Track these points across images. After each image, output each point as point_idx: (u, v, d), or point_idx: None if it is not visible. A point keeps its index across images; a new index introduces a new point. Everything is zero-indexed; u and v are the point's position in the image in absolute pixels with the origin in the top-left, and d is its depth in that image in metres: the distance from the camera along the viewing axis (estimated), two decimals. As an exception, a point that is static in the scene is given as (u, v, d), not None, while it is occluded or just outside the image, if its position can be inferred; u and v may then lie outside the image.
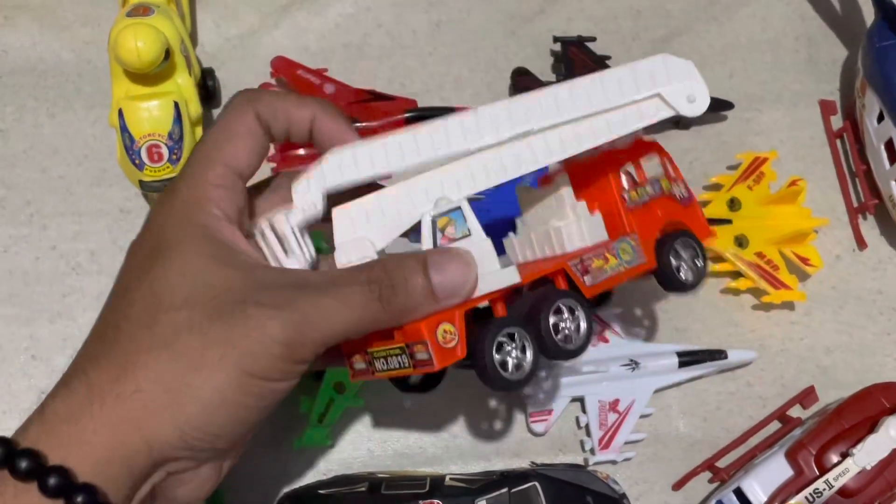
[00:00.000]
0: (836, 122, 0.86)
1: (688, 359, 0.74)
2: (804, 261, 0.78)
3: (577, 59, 0.83)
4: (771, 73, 0.87)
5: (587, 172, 0.56)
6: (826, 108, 0.86)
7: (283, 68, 0.81)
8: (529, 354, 0.49)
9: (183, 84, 0.73)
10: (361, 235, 0.49)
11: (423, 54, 0.86)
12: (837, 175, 0.84)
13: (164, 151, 0.71)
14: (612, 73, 0.52)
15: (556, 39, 0.85)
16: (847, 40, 0.89)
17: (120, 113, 0.71)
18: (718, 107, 0.83)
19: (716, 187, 0.82)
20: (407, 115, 0.80)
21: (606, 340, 0.74)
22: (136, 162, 0.71)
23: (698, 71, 0.52)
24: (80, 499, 0.40)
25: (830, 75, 0.88)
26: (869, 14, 0.86)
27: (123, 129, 0.71)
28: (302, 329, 0.44)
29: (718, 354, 0.75)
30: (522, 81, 0.83)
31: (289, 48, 0.84)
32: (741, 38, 0.88)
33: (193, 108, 0.74)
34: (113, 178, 0.78)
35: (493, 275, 0.49)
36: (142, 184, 0.72)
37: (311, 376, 0.73)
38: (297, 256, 0.50)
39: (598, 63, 0.84)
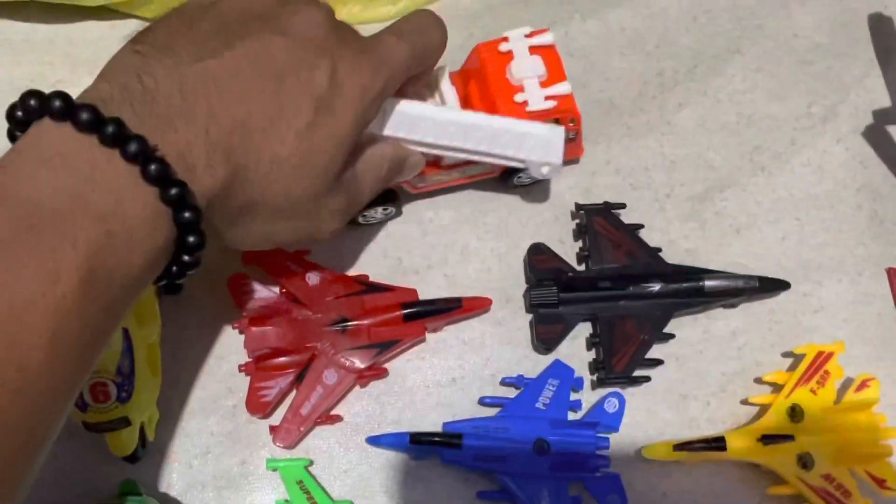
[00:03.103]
0: (908, 293, 0.73)
1: None
2: (880, 483, 0.66)
3: (603, 230, 0.71)
4: (830, 235, 0.75)
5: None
6: (895, 277, 0.73)
7: (255, 255, 0.68)
8: None
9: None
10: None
11: (422, 220, 0.73)
12: (912, 361, 0.72)
13: (112, 390, 0.59)
14: (511, 131, 0.63)
15: (578, 207, 0.72)
16: (918, 193, 0.76)
17: (56, 345, 0.58)
18: (772, 287, 0.71)
19: (770, 384, 0.69)
20: (406, 311, 0.67)
21: None
22: (79, 403, 0.58)
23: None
24: (173, 191, 0.42)
25: (899, 235, 0.75)
26: (942, 160, 0.74)
27: (61, 365, 0.58)
28: None
29: None
30: (538, 262, 0.70)
31: (264, 223, 0.71)
32: (794, 192, 0.76)
33: (149, 329, 0.61)
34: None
35: None
36: (86, 425, 0.60)
37: None
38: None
39: (629, 234, 0.71)
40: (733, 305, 0.72)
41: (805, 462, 0.65)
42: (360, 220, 0.71)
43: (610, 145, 0.76)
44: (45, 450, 0.42)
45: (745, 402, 0.70)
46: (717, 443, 0.66)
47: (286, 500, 0.65)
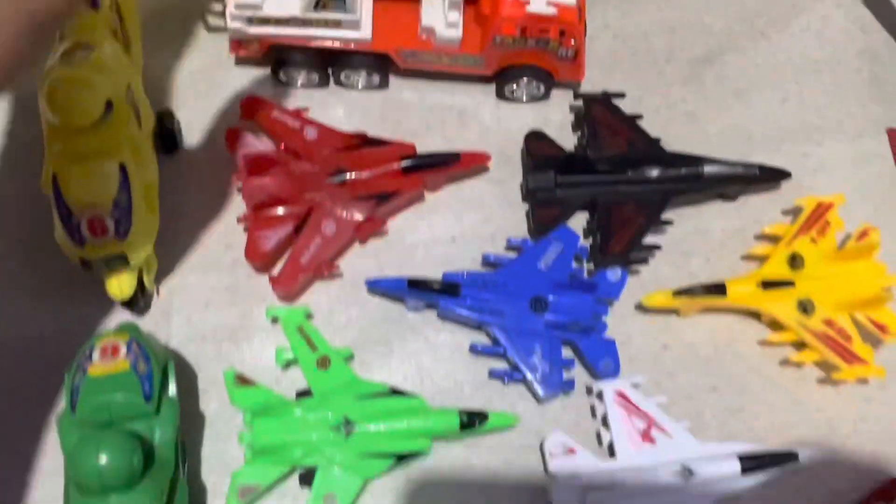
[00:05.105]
0: (909, 153, 0.73)
1: (752, 464, 0.62)
2: (881, 328, 0.66)
3: (602, 119, 0.70)
4: (830, 98, 0.74)
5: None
6: (895, 138, 0.73)
7: (255, 110, 0.68)
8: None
9: (131, 139, 0.60)
10: None
11: (420, 85, 0.73)
12: (912, 218, 0.71)
13: (109, 224, 0.59)
14: None
15: (576, 96, 0.71)
16: (918, 55, 0.76)
17: (54, 179, 0.58)
18: (771, 176, 0.70)
19: (771, 238, 0.69)
20: (404, 164, 0.67)
21: (652, 440, 0.62)
22: (75, 237, 0.58)
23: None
24: None
25: (899, 98, 0.75)
26: (942, 24, 0.74)
27: (58, 198, 0.58)
28: None
29: (789, 458, 0.62)
30: (536, 148, 0.70)
31: (261, 81, 0.71)
32: (794, 56, 0.75)
33: (145, 167, 0.61)
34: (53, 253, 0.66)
35: None
36: (84, 263, 0.60)
37: (299, 480, 0.61)
38: None
39: (628, 123, 0.70)
40: (732, 198, 0.71)
41: (805, 307, 0.65)
42: (343, 79, 0.71)
43: (607, 10, 0.75)
44: None
45: (745, 257, 0.70)
46: (718, 288, 0.65)
47: (285, 348, 0.65)
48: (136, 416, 0.55)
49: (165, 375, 0.59)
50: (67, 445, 0.54)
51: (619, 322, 0.67)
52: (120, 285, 0.61)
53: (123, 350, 0.57)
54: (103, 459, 0.50)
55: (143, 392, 0.55)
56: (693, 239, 0.70)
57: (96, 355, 0.56)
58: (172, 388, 0.58)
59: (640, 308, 0.68)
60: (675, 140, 0.71)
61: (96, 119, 0.56)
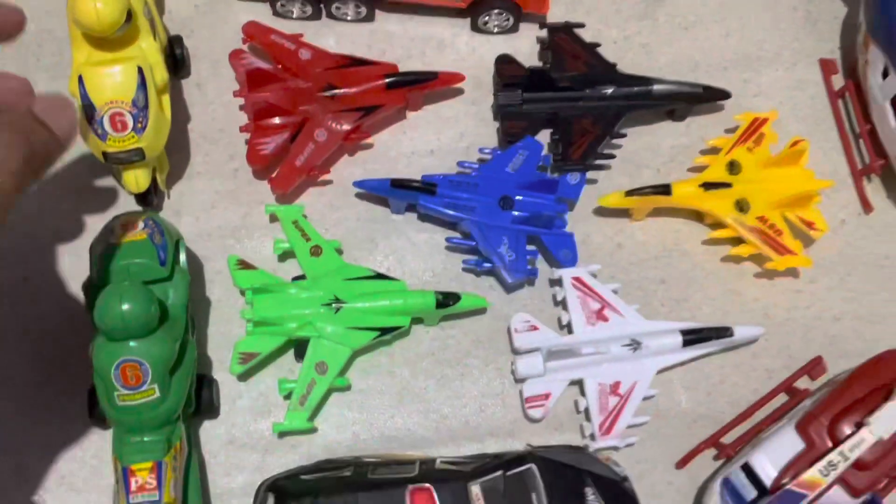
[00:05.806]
0: (838, 81, 0.82)
1: (693, 337, 0.70)
2: (809, 225, 0.74)
3: (564, 45, 0.79)
4: (769, 33, 0.83)
5: None
6: (826, 67, 0.82)
7: (256, 34, 0.76)
8: None
9: (147, 49, 0.68)
10: None
11: (403, 18, 0.82)
12: (840, 136, 0.80)
13: (129, 119, 0.67)
14: None
15: (542, 26, 0.80)
16: (846, -4, 0.85)
17: (80, 80, 0.66)
18: (715, 95, 0.78)
19: (714, 151, 0.78)
20: (388, 80, 0.75)
21: (605, 319, 0.70)
22: (99, 132, 0.66)
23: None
24: None
25: (830, 33, 0.84)
26: (869, -32, 0.82)
27: (84, 97, 0.66)
28: None
29: (725, 332, 0.71)
30: (505, 70, 0.78)
31: (261, 13, 0.80)
32: (737, -5, 0.84)
33: (159, 74, 0.69)
34: (76, 155, 0.74)
35: None
36: (105, 156, 0.68)
37: (294, 356, 0.70)
38: None
39: (588, 49, 0.79)
40: (681, 119, 0.80)
41: (742, 206, 0.74)
42: (335, 11, 0.79)
43: (570, -49, 0.84)
44: None
45: (691, 169, 0.78)
46: (664, 188, 0.74)
47: (282, 239, 0.73)
48: (152, 279, 0.63)
49: (178, 250, 0.67)
50: (93, 304, 0.62)
51: (579, 225, 0.76)
52: (136, 179, 0.69)
53: (141, 224, 0.65)
54: (125, 306, 0.58)
55: (159, 258, 0.63)
56: (645, 154, 0.79)
57: (118, 229, 0.64)
58: (183, 259, 0.67)
59: (598, 212, 0.77)
60: (630, 68, 0.80)
61: (119, 23, 0.64)
